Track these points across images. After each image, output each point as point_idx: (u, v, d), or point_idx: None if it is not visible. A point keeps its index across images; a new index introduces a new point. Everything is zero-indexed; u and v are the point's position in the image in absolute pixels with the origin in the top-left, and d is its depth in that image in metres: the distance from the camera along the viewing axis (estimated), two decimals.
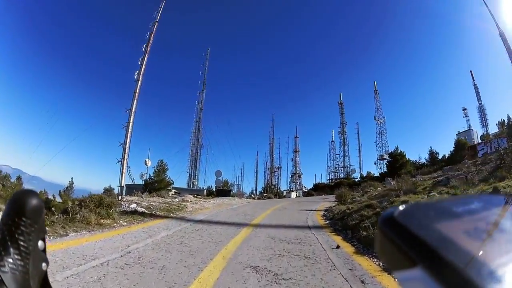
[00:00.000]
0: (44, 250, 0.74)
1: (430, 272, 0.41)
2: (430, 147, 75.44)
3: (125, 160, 42.10)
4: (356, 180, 75.68)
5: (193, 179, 62.64)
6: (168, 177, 38.54)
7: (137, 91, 45.54)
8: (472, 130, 73.48)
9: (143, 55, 47.92)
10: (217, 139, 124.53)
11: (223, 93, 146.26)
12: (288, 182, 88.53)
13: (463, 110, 78.29)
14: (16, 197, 0.71)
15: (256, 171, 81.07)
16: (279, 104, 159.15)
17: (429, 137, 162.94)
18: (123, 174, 41.69)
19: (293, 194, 73.39)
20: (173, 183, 39.29)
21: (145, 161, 48.34)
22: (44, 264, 0.73)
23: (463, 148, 46.77)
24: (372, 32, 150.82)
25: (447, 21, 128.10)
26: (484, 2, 58.38)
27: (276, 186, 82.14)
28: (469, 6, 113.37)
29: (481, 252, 0.43)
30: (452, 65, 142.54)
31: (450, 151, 53.57)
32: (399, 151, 61.89)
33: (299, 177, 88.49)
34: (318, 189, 70.90)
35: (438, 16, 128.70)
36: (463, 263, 0.40)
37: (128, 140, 43.06)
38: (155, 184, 35.25)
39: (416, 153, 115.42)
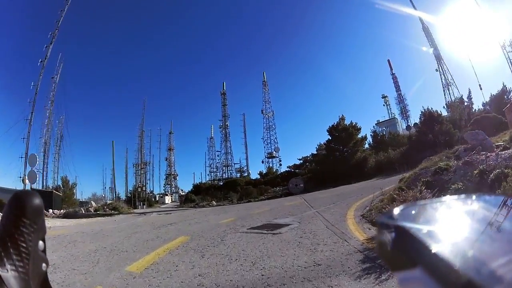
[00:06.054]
0: (44, 251, 0.78)
1: (430, 273, 0.43)
2: (373, 126, 66.84)
3: None
4: (255, 178, 65.62)
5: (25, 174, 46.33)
6: None
7: None
8: (396, 119, 76.69)
9: None
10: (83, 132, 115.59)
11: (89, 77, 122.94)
12: (163, 185, 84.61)
13: (382, 97, 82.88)
14: (17, 198, 0.76)
15: (126, 171, 72.67)
16: (151, 95, 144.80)
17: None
18: None
19: (168, 199, 70.82)
20: None
21: None
22: (44, 265, 0.77)
23: (437, 120, 38.33)
24: (275, 18, 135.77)
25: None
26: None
27: (145, 187, 72.50)
28: None
29: (481, 252, 0.45)
30: (370, 53, 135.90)
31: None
32: (349, 123, 42.80)
33: (175, 178, 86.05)
34: (201, 191, 58.80)
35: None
36: (463, 263, 0.42)
37: None
38: None
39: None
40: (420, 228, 0.47)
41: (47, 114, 54.10)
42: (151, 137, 79.44)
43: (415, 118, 67.31)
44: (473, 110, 49.47)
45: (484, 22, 53.15)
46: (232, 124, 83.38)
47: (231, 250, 7.57)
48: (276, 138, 78.45)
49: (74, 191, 46.13)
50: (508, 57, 48.02)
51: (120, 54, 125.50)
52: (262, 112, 79.74)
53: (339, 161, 39.83)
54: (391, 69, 77.98)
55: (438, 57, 65.47)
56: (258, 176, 65.79)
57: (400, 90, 76.73)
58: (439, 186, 9.06)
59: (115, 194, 62.99)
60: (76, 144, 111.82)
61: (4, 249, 0.68)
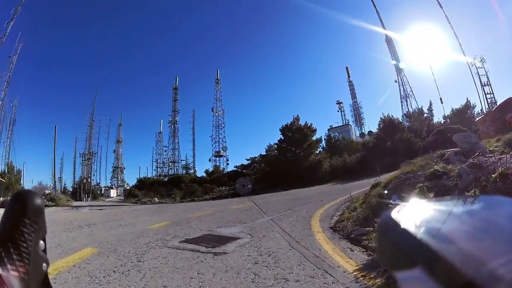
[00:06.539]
0: (44, 250, 0.77)
1: (430, 273, 0.43)
2: (328, 129, 68.72)
3: None
4: (201, 176, 63.34)
5: None
6: None
7: None
8: (350, 125, 77.96)
9: None
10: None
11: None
12: (110, 178, 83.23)
13: (337, 103, 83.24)
14: (17, 198, 0.75)
15: (74, 162, 71.52)
16: (103, 84, 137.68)
17: None
18: None
19: (113, 192, 70.47)
20: None
21: None
22: (44, 265, 0.76)
23: (397, 128, 38.36)
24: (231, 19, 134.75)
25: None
26: (376, 9, 65.28)
27: (90, 179, 70.93)
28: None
29: (481, 252, 0.45)
30: (330, 60, 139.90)
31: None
32: (304, 123, 40.82)
33: (122, 171, 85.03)
34: (145, 186, 57.30)
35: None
36: (463, 263, 0.42)
37: None
38: None
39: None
40: (419, 228, 0.47)
41: (2, 96, 51.86)
42: (100, 127, 77.18)
43: (369, 126, 69.75)
44: (433, 122, 50.47)
45: (450, 40, 55.73)
46: (181, 121, 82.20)
47: (145, 285, 4.72)
48: (224, 137, 76.84)
49: (21, 178, 44.37)
50: (478, 72, 50.81)
51: (76, 40, 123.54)
52: (212, 110, 78.12)
53: (292, 162, 37.81)
54: (349, 76, 79.10)
55: (398, 69, 67.50)
56: (204, 174, 63.42)
57: (356, 98, 77.97)
58: (444, 193, 7.06)
59: (55, 184, 58.89)
60: (27, 129, 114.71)
61: (5, 249, 0.67)
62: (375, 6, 65.55)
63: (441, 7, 56.43)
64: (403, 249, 0.47)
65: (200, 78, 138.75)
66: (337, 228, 8.11)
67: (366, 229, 7.30)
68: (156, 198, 41.41)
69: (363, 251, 5.95)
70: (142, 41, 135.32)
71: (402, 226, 0.49)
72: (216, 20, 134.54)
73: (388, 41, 66.87)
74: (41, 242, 0.75)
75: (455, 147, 11.91)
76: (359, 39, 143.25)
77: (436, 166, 8.62)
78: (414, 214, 0.54)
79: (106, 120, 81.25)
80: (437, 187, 7.50)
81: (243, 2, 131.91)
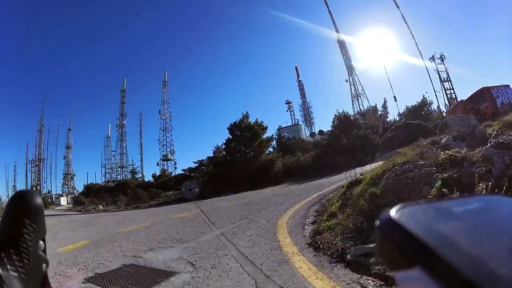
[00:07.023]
0: (44, 251, 0.77)
1: (429, 273, 0.43)
2: (277, 129, 67.33)
3: None
4: (148, 181, 61.16)
5: None
6: None
7: None
8: (300, 125, 77.42)
9: None
10: None
11: None
12: (61, 185, 79.34)
13: (286, 103, 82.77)
14: (17, 198, 0.75)
15: (26, 169, 69.79)
16: (52, 87, 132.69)
17: None
18: None
19: (63, 200, 66.30)
20: None
21: None
22: (44, 265, 0.76)
23: (354, 125, 36.84)
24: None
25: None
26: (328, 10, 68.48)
27: (40, 186, 71.18)
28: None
29: (481, 252, 0.45)
30: (280, 61, 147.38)
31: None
32: (254, 121, 38.16)
33: (72, 178, 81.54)
34: (92, 193, 52.78)
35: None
36: (462, 263, 0.42)
37: None
38: None
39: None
40: (419, 228, 0.47)
41: None
42: (49, 132, 75.63)
43: (319, 125, 69.59)
44: (388, 120, 51.91)
45: (406, 39, 57.16)
46: (129, 124, 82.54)
47: None
48: (172, 140, 76.84)
49: None
50: (437, 68, 53.35)
51: (19, 39, 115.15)
52: (159, 113, 78.01)
53: (241, 163, 35.54)
54: (298, 76, 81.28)
55: (350, 69, 70.84)
56: (152, 179, 60.74)
57: (305, 97, 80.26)
58: (480, 182, 5.30)
59: None
60: None
61: (4, 249, 0.68)
62: (328, 7, 68.37)
63: (398, 7, 57.76)
64: (403, 249, 0.45)
65: (148, 80, 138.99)
66: (320, 245, 5.70)
67: (369, 246, 4.85)
68: (101, 206, 37.48)
69: (382, 286, 3.64)
70: (88, 40, 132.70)
71: (402, 225, 0.47)
72: (164, 21, 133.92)
73: (340, 42, 69.55)
74: (41, 242, 0.75)
75: (419, 141, 10.81)
76: (311, 40, 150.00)
77: (448, 151, 6.81)
78: (414, 213, 0.51)
79: (55, 124, 78.13)
80: (464, 177, 5.58)
81: (192, 2, 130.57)
